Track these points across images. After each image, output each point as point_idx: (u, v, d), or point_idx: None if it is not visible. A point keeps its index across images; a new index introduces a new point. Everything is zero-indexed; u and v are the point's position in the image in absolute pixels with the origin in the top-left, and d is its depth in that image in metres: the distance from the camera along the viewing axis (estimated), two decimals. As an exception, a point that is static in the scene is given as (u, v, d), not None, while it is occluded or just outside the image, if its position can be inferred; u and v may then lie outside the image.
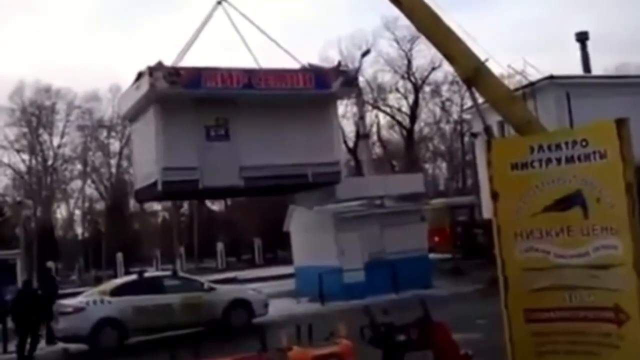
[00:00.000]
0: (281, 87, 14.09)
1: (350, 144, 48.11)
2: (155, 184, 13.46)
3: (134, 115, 14.91)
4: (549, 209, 6.23)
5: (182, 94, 13.27)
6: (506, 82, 27.49)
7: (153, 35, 71.12)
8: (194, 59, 14.04)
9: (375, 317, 5.99)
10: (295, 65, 14.66)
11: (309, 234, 19.60)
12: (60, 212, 56.07)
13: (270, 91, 13.97)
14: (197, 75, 13.43)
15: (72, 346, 14.22)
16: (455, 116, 50.12)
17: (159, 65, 13.31)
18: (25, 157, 52.54)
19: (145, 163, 14.29)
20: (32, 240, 42.84)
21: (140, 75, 13.66)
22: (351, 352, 5.60)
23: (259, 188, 15.42)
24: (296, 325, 5.87)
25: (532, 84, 21.68)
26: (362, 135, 32.53)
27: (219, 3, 13.85)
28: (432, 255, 21.79)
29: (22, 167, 52.52)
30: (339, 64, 15.68)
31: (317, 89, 14.53)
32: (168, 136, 13.35)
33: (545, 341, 6.19)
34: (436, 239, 26.74)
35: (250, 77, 13.88)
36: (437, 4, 7.95)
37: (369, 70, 48.85)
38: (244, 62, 15.10)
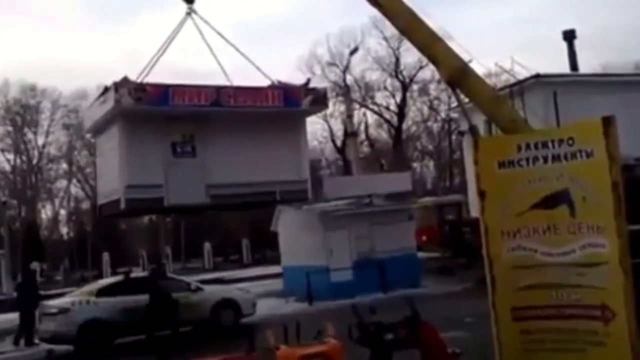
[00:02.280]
0: (250, 104, 14.03)
1: (338, 143, 48.16)
2: (118, 200, 13.34)
3: (98, 129, 14.75)
4: (535, 207, 6.24)
5: (148, 111, 13.12)
6: (493, 80, 27.77)
7: (141, 33, 70.75)
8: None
9: (363, 316, 5.97)
10: (265, 82, 14.62)
11: (296, 233, 19.57)
12: (46, 212, 55.71)
13: (239, 108, 13.90)
14: (164, 91, 13.25)
15: (58, 347, 14.09)
16: (443, 115, 50.33)
17: (125, 80, 13.15)
18: (10, 156, 52.15)
19: (109, 179, 14.16)
20: (17, 240, 42.46)
21: (106, 90, 13.52)
22: (339, 351, 5.57)
23: (226, 205, 15.35)
24: (283, 324, 5.83)
25: (519, 82, 21.77)
26: (350, 133, 32.52)
27: (188, 14, 13.68)
28: (420, 254, 21.82)
29: (7, 167, 52.14)
30: (308, 81, 15.69)
31: (286, 107, 14.50)
32: (132, 153, 13.17)
33: (533, 339, 6.20)
34: (424, 237, 26.80)
35: (219, 94, 13.76)
36: (419, 4, 7.94)
37: (357, 69, 49.00)
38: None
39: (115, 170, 13.51)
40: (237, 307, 15.24)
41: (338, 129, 48.28)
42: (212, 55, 14.22)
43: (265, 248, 42.03)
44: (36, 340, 15.02)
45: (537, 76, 21.66)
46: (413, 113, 52.28)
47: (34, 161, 52.76)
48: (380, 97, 50.79)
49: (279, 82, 15.13)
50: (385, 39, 45.70)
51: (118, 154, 13.28)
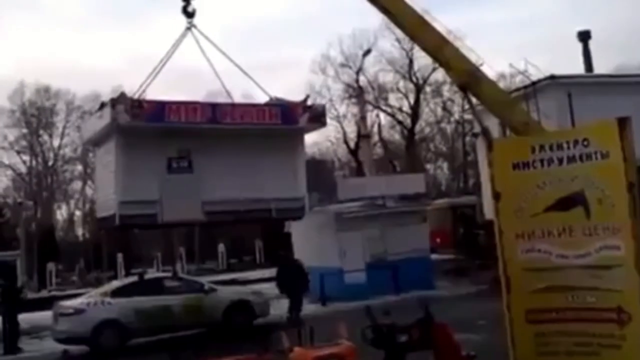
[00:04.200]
0: (246, 121, 14.05)
1: (352, 145, 48.12)
2: (114, 215, 13.40)
3: (96, 142, 14.87)
4: (550, 209, 6.21)
5: (144, 127, 13.19)
6: (507, 81, 27.58)
7: (155, 34, 71.15)
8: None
9: (377, 318, 5.97)
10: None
11: (310, 234, 19.58)
12: (61, 213, 56.17)
13: (236, 125, 13.90)
14: (161, 108, 13.35)
15: (73, 348, 14.19)
16: (456, 116, 50.12)
17: (122, 97, 13.28)
18: (26, 158, 52.66)
19: (106, 193, 14.26)
20: (33, 241, 42.81)
21: (103, 105, 13.64)
22: (353, 353, 5.56)
23: (221, 221, 15.38)
24: (297, 326, 5.84)
25: (533, 83, 21.63)
26: (363, 135, 32.51)
27: (188, 29, 13.74)
28: (433, 256, 21.76)
29: (23, 168, 52.64)
30: (306, 98, 15.70)
31: (283, 124, 14.50)
32: (128, 169, 13.27)
33: (547, 342, 6.17)
34: (438, 239, 26.72)
35: (215, 111, 13.84)
36: (429, 5, 7.96)
37: (371, 70, 48.91)
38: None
39: (111, 185, 13.62)
40: (251, 309, 15.26)
41: (351, 130, 48.25)
42: (213, 71, 14.36)
43: (279, 249, 41.96)
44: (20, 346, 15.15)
45: (552, 77, 21.51)
46: (426, 115, 52.17)
47: (50, 163, 53.22)
48: (393, 99, 50.72)
49: (277, 99, 15.16)
50: (398, 40, 45.59)
51: (114, 169, 13.38)
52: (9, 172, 52.59)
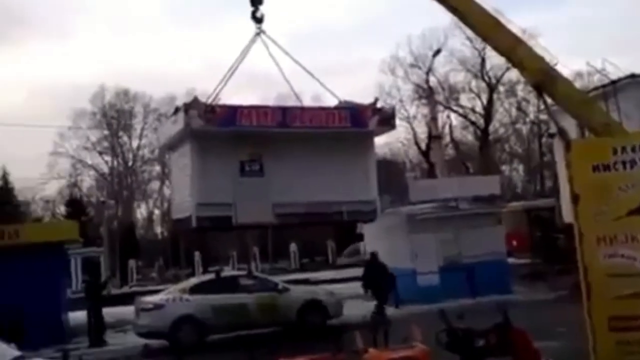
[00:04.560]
0: (316, 125, 14.15)
1: (422, 146, 47.63)
2: (190, 217, 13.76)
3: (171, 146, 15.32)
4: (634, 213, 6.01)
5: (217, 131, 13.51)
6: (585, 80, 26.57)
7: (226, 37, 72.67)
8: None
9: (451, 321, 5.93)
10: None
11: (382, 236, 19.51)
12: (141, 212, 58.24)
13: (305, 129, 14.03)
14: (232, 112, 13.65)
15: (153, 342, 14.69)
16: (532, 116, 48.79)
17: (195, 102, 13.65)
18: (107, 158, 54.95)
19: (182, 195, 14.65)
20: (115, 239, 44.60)
21: (177, 110, 14.06)
22: (427, 356, 5.56)
23: (292, 224, 15.55)
24: (371, 327, 5.88)
25: (613, 82, 20.80)
26: (434, 136, 32.14)
27: (258, 35, 13.96)
28: (509, 260, 21.24)
29: (105, 169, 54.93)
30: (376, 101, 15.63)
31: (352, 127, 14.50)
32: (202, 172, 13.62)
33: (631, 350, 5.96)
34: (514, 242, 26.05)
35: (285, 115, 14.01)
36: (500, 7, 7.79)
37: (441, 70, 48.28)
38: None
39: (186, 188, 14.02)
40: (324, 309, 15.38)
41: (422, 131, 47.79)
42: (282, 75, 14.57)
43: (372, 249, 41.94)
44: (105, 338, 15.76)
45: (633, 76, 20.61)
46: (500, 115, 51.02)
47: (129, 163, 55.30)
48: (465, 99, 49.89)
49: (346, 102, 15.21)
50: (469, 39, 44.78)
51: (189, 172, 13.77)
52: (92, 172, 55.06)
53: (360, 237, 22.75)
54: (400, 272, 17.86)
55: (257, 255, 41.92)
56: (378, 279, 16.39)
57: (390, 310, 16.76)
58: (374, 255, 16.91)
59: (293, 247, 42.64)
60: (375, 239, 20.72)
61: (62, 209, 52.79)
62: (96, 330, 15.76)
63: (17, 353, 7.61)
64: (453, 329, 5.80)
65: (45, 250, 15.57)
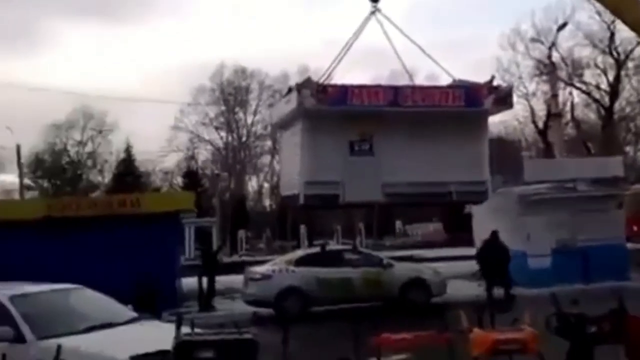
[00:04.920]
0: (429, 104, 13.79)
1: (540, 124, 45.68)
2: (298, 195, 13.89)
3: (283, 125, 15.49)
4: None
5: (328, 110, 13.50)
6: None
7: (340, 15, 72.72)
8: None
9: (563, 306, 5.68)
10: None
11: (492, 216, 18.97)
12: (251, 185, 60.08)
13: (417, 108, 13.71)
14: (344, 92, 13.60)
15: (261, 310, 15.18)
16: (662, 93, 45.38)
17: (308, 82, 13.74)
18: (223, 134, 56.97)
19: (291, 173, 14.81)
20: (227, 210, 46.33)
21: (290, 90, 14.17)
22: (535, 339, 5.36)
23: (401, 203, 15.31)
24: (478, 308, 5.74)
25: None
26: (553, 114, 30.77)
27: (373, 13, 13.73)
28: (629, 245, 20.05)
29: (220, 143, 57.02)
30: (492, 79, 14.91)
31: (466, 107, 14.00)
32: (312, 151, 13.70)
33: None
34: (635, 227, 24.55)
35: (397, 94, 13.78)
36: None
37: (564, 45, 45.75)
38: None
39: (296, 166, 14.22)
40: (427, 287, 15.28)
41: (540, 109, 45.69)
42: (396, 54, 14.34)
43: (458, 229, 41.39)
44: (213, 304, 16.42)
45: None
46: (627, 92, 47.71)
47: (243, 138, 57.08)
48: (589, 75, 47.04)
49: (461, 81, 14.73)
50: (598, 12, 42.03)
51: (299, 151, 13.95)
52: (209, 146, 57.35)
53: (469, 217, 22.21)
54: (511, 253, 17.33)
55: (363, 231, 42.14)
56: (497, 260, 15.63)
57: (497, 292, 16.35)
58: (495, 234, 16.23)
59: (399, 224, 42.52)
60: (485, 219, 20.17)
61: (179, 181, 55.47)
62: (207, 296, 16.51)
63: (134, 314, 8.09)
64: (564, 314, 5.55)
65: (162, 219, 16.39)
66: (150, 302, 13.88)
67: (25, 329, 6.88)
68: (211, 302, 16.50)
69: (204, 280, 16.66)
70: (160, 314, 14.88)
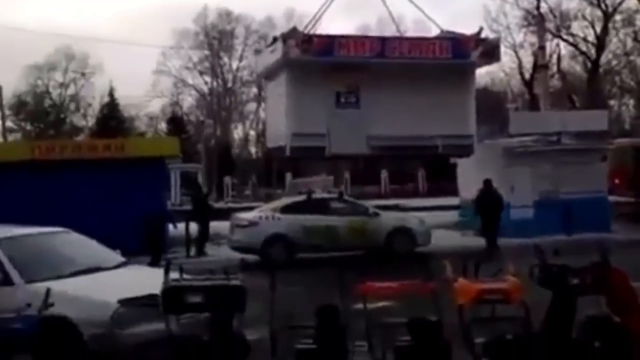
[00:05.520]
0: (415, 55, 13.61)
1: (527, 76, 45.57)
2: (284, 147, 13.81)
3: (268, 75, 15.27)
4: None
5: (314, 61, 13.30)
6: None
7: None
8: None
9: (546, 257, 5.77)
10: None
11: (476, 167, 19.09)
12: (237, 132, 59.76)
13: (404, 60, 13.54)
14: (330, 42, 13.42)
15: (247, 257, 15.28)
16: (649, 48, 45.26)
17: (293, 31, 13.48)
18: (207, 79, 56.21)
19: (276, 125, 14.69)
20: (212, 156, 46.18)
21: (275, 40, 13.91)
22: (519, 290, 5.46)
23: (386, 156, 15.33)
24: (463, 258, 5.82)
25: None
26: (540, 65, 30.61)
27: None
28: (610, 198, 20.35)
29: (205, 89, 56.32)
30: (480, 30, 14.72)
31: (454, 59, 13.85)
32: (298, 102, 13.57)
33: None
34: (616, 181, 24.85)
35: (384, 45, 13.62)
36: None
37: (553, -4, 45.26)
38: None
39: (282, 117, 14.10)
40: (412, 236, 15.44)
41: (527, 61, 45.48)
42: (384, 4, 14.07)
43: (442, 179, 41.66)
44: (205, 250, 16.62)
45: None
46: (614, 45, 47.54)
47: (228, 84, 56.39)
48: (577, 27, 46.70)
49: (448, 32, 14.55)
50: (588, -38, 41.49)
51: (285, 102, 13.81)
52: (193, 91, 56.67)
53: (453, 168, 22.34)
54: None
55: (348, 179, 42.31)
56: (491, 207, 15.85)
57: (478, 241, 16.63)
58: (488, 182, 16.28)
59: (384, 173, 42.69)
60: (469, 169, 20.32)
61: (163, 126, 55.00)
62: (200, 241, 16.64)
63: (122, 259, 8.14)
64: (547, 265, 5.64)
65: (147, 163, 16.34)
66: (158, 240, 14.12)
67: (12, 272, 6.89)
68: (203, 248, 16.63)
69: (193, 225, 16.74)
70: (166, 251, 15.20)
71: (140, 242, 13.59)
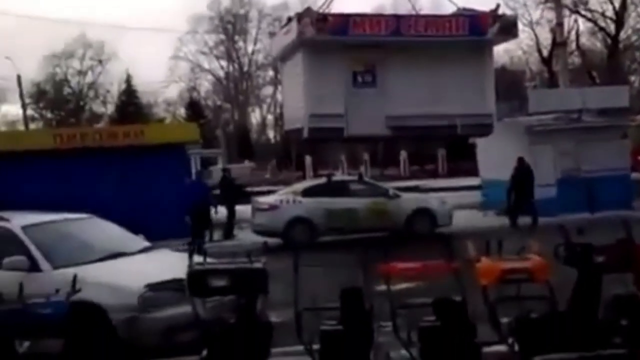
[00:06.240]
0: (432, 33, 13.45)
1: (545, 53, 44.97)
2: (302, 129, 13.76)
3: (283, 56, 15.16)
4: None
5: (329, 41, 13.20)
6: None
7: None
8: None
9: (570, 235, 5.73)
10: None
11: (496, 146, 18.96)
12: (255, 116, 59.87)
13: (421, 38, 13.39)
14: (345, 21, 13.28)
15: (269, 240, 15.38)
16: (669, 22, 44.35)
17: (308, 11, 13.35)
18: (223, 63, 56.28)
19: (293, 106, 14.62)
20: (231, 141, 46.32)
21: (289, 20, 13.79)
22: (544, 269, 5.42)
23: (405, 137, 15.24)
24: (485, 239, 5.78)
25: None
26: (558, 43, 30.18)
27: None
28: (633, 175, 20.12)
29: (221, 73, 56.43)
30: (497, 7, 14.49)
31: (470, 36, 13.67)
32: (315, 82, 13.48)
33: None
34: (639, 157, 24.55)
35: (400, 23, 13.45)
36: None
37: (572, -29, 44.42)
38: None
39: (299, 99, 14.04)
40: (433, 217, 15.39)
41: (545, 37, 44.86)
42: None
43: (462, 159, 41.44)
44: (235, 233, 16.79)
45: None
46: (633, 20, 46.60)
47: (244, 68, 56.42)
48: (595, 3, 45.84)
49: (464, 9, 14.38)
50: None
51: (302, 83, 13.74)
52: (209, 76, 56.78)
53: (473, 147, 22.19)
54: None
55: (368, 161, 42.20)
56: (523, 183, 15.92)
57: (502, 221, 16.55)
58: (521, 160, 16.22)
59: (403, 154, 42.51)
60: (489, 149, 20.19)
61: (182, 112, 55.22)
62: (228, 224, 16.75)
63: (146, 243, 8.23)
64: (572, 244, 5.60)
65: (167, 150, 16.42)
66: (205, 222, 14.21)
67: (40, 259, 7.00)
68: (232, 231, 16.79)
69: (220, 209, 16.91)
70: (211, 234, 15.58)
71: (183, 226, 13.98)
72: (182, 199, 14.74)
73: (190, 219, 14.43)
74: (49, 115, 54.83)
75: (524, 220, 16.05)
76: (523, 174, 16.11)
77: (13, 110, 47.95)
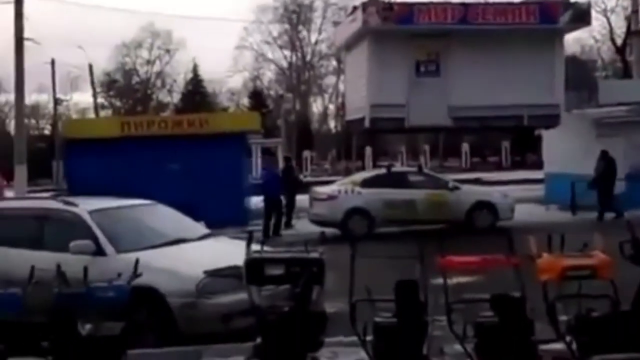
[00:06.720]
0: (500, 21, 13.07)
1: (619, 42, 43.27)
2: (363, 119, 13.66)
3: (348, 46, 15.08)
4: None
5: (394, 29, 13.04)
6: None
7: None
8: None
9: (637, 232, 5.51)
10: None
11: (563, 138, 18.39)
12: (316, 106, 60.01)
13: (488, 26, 13.02)
14: (410, 10, 13.16)
15: (327, 230, 15.42)
16: None
17: (373, 0, 13.16)
18: (287, 53, 56.57)
19: (356, 96, 14.53)
20: (292, 131, 46.61)
21: (355, 9, 13.70)
22: (608, 266, 5.22)
23: (468, 128, 14.95)
24: (547, 234, 5.62)
25: None
26: (633, 32, 28.93)
27: None
28: None
29: (284, 63, 56.76)
30: None
31: (540, 24, 13.20)
32: (378, 71, 13.40)
33: None
34: None
35: (466, 12, 13.20)
36: None
37: (650, -44, 42.43)
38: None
39: (362, 88, 13.99)
40: (494, 210, 15.08)
41: (619, 26, 43.13)
42: None
43: (527, 151, 40.49)
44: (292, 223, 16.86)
45: None
46: None
47: (307, 58, 56.57)
48: (677, -12, 43.74)
49: None
50: None
51: (365, 72, 13.66)
52: (273, 66, 57.23)
53: (538, 140, 21.61)
54: (580, 177, 16.86)
55: (427, 152, 41.75)
56: (606, 176, 15.49)
57: (563, 216, 16.08)
58: (605, 152, 15.78)
59: (465, 146, 41.82)
60: (556, 141, 19.61)
61: (245, 101, 55.91)
62: (288, 213, 16.90)
63: (206, 230, 8.39)
64: (638, 241, 5.39)
65: (230, 138, 16.65)
66: (277, 210, 14.99)
67: (104, 243, 7.22)
68: (290, 221, 16.91)
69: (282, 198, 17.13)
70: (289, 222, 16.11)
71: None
72: (258, 188, 14.94)
73: (265, 208, 14.65)
74: (117, 103, 56.54)
75: (610, 215, 15.57)
76: (608, 168, 15.60)
77: (85, 98, 49.76)
